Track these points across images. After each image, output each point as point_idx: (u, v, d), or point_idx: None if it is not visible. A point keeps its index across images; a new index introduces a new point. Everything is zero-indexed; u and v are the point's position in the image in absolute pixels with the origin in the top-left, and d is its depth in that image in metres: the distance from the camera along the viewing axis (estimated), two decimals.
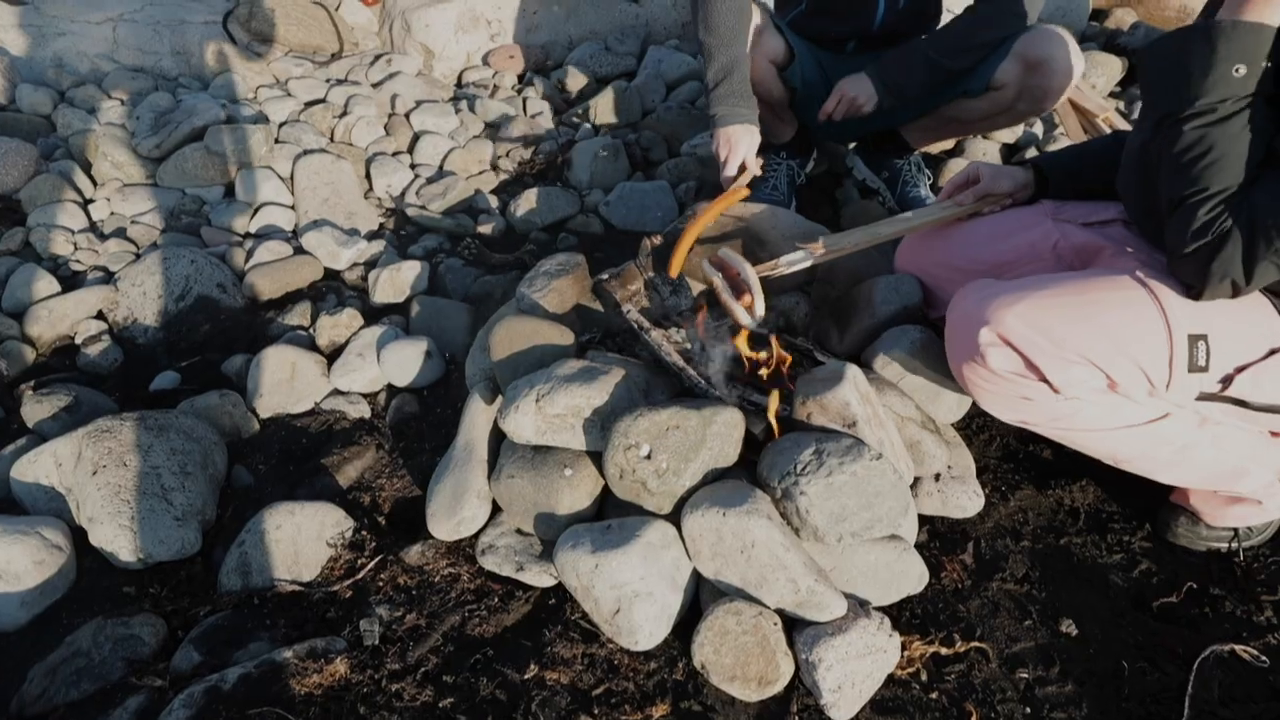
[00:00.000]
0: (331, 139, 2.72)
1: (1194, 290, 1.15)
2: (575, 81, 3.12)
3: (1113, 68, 3.17)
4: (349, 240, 2.26)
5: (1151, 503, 1.50)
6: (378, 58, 3.17)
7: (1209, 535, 1.42)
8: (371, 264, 2.26)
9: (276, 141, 2.58)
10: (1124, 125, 2.76)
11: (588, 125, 2.85)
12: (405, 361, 1.84)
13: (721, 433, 1.31)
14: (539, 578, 1.36)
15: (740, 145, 1.86)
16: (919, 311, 1.62)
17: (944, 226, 1.60)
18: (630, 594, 1.22)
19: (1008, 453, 1.67)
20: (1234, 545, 1.41)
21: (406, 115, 2.81)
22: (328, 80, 3.02)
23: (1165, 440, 1.25)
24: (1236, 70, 1.06)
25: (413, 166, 2.63)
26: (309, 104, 2.86)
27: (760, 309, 1.44)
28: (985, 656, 1.28)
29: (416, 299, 2.04)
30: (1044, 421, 1.28)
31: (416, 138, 2.73)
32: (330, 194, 2.41)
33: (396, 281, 2.10)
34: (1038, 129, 2.85)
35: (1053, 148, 2.76)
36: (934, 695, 1.23)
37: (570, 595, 1.33)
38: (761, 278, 1.47)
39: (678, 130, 2.82)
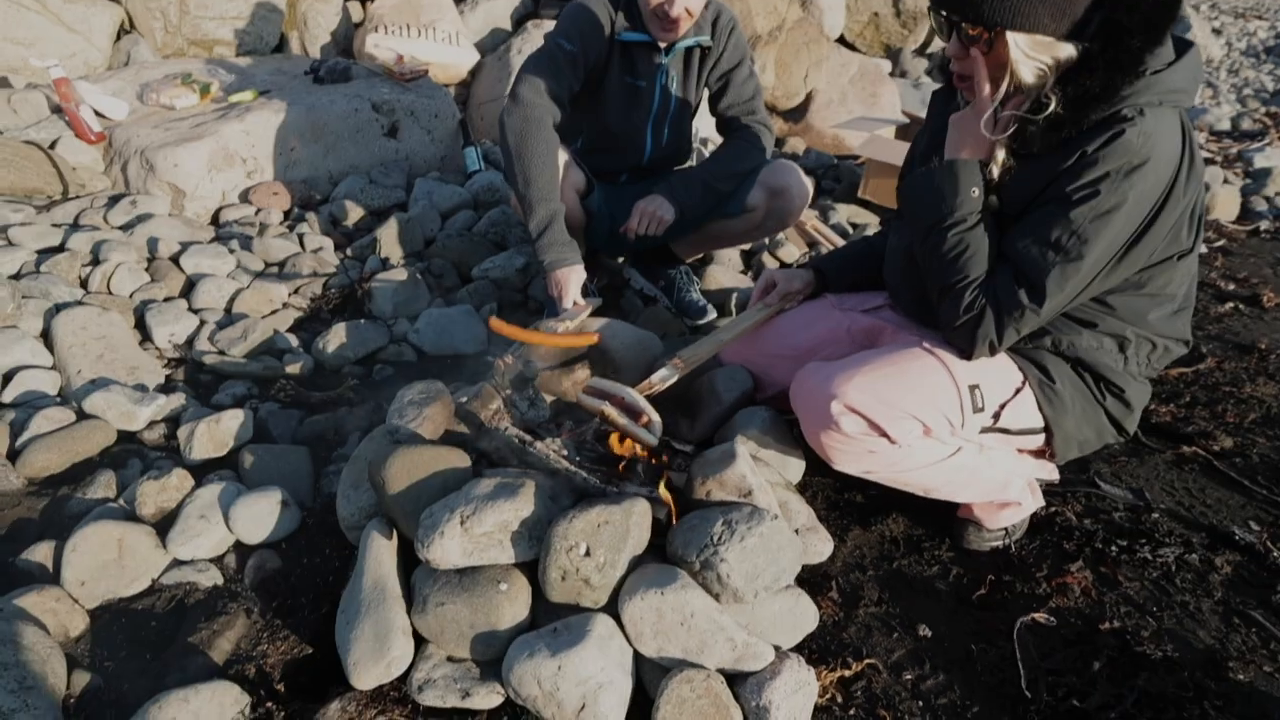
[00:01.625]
0: (85, 288, 2.45)
1: (965, 354, 1.56)
2: (350, 215, 3.14)
3: None
4: (145, 398, 2.05)
5: (943, 521, 1.90)
6: (115, 199, 2.91)
7: (989, 537, 1.84)
8: (173, 420, 2.07)
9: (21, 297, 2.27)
10: (828, 231, 3.46)
11: (375, 257, 2.88)
12: (259, 516, 1.72)
13: (640, 521, 1.45)
14: (487, 699, 1.37)
15: (571, 285, 2.11)
16: (753, 396, 1.92)
17: (763, 328, 1.94)
18: (595, 686, 1.29)
19: (831, 504, 2.00)
20: (1007, 541, 1.84)
21: (173, 259, 2.62)
22: (58, 225, 2.72)
23: (961, 468, 1.64)
24: (974, 191, 1.50)
25: (195, 311, 2.46)
26: (42, 252, 2.55)
27: (658, 424, 1.62)
28: (877, 670, 1.53)
29: (247, 449, 1.92)
30: (882, 468, 1.61)
31: (191, 282, 2.55)
32: (104, 349, 2.17)
33: (216, 434, 1.96)
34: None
35: (780, 251, 3.35)
36: (852, 712, 1.45)
37: (521, 709, 1.36)
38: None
39: (465, 256, 2.96)
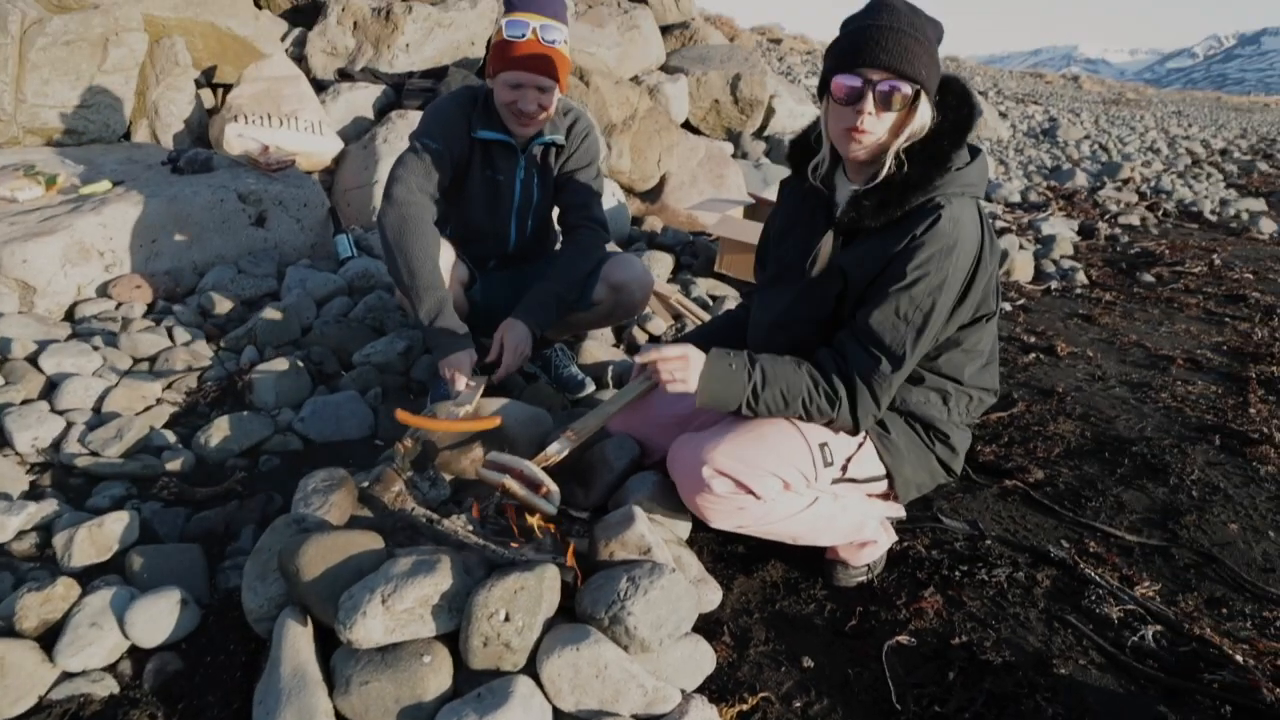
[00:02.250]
0: None
1: (854, 431, 1.80)
2: (219, 306, 3.09)
3: (666, 262, 4.24)
4: (11, 506, 1.96)
5: (814, 564, 2.12)
6: None
7: (854, 574, 2.07)
8: (44, 528, 1.98)
9: None
10: (690, 304, 3.74)
11: (251, 348, 2.86)
12: (157, 618, 1.69)
13: (551, 585, 1.57)
14: None
15: (463, 368, 2.23)
16: (640, 462, 2.09)
17: (645, 400, 2.12)
18: None
19: (716, 556, 2.18)
20: (870, 576, 2.09)
21: (30, 359, 2.51)
22: None
23: (820, 516, 1.87)
24: (731, 367, 1.72)
25: (60, 413, 2.36)
26: None
27: (556, 493, 1.75)
28: (770, 702, 1.70)
29: (134, 551, 1.87)
30: (752, 522, 1.81)
31: (53, 383, 2.45)
32: None
33: (99, 538, 1.90)
34: None
35: (648, 325, 3.59)
36: None
37: None
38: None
39: (344, 343, 2.99)
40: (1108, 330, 4.21)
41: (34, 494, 2.12)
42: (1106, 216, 7.16)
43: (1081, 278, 5.09)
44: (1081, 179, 9.19)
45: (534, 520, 1.81)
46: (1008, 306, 4.51)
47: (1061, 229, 6.24)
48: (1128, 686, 1.80)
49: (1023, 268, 5.09)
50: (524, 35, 2.33)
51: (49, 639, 1.65)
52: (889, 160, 1.68)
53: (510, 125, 2.51)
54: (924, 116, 1.67)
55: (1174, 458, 2.78)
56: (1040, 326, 4.21)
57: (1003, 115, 15.90)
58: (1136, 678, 1.82)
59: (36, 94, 3.86)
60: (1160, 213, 7.56)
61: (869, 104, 1.63)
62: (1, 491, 2.05)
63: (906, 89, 1.62)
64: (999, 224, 6.35)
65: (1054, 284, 4.98)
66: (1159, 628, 1.97)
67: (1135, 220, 7.04)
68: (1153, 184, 9.19)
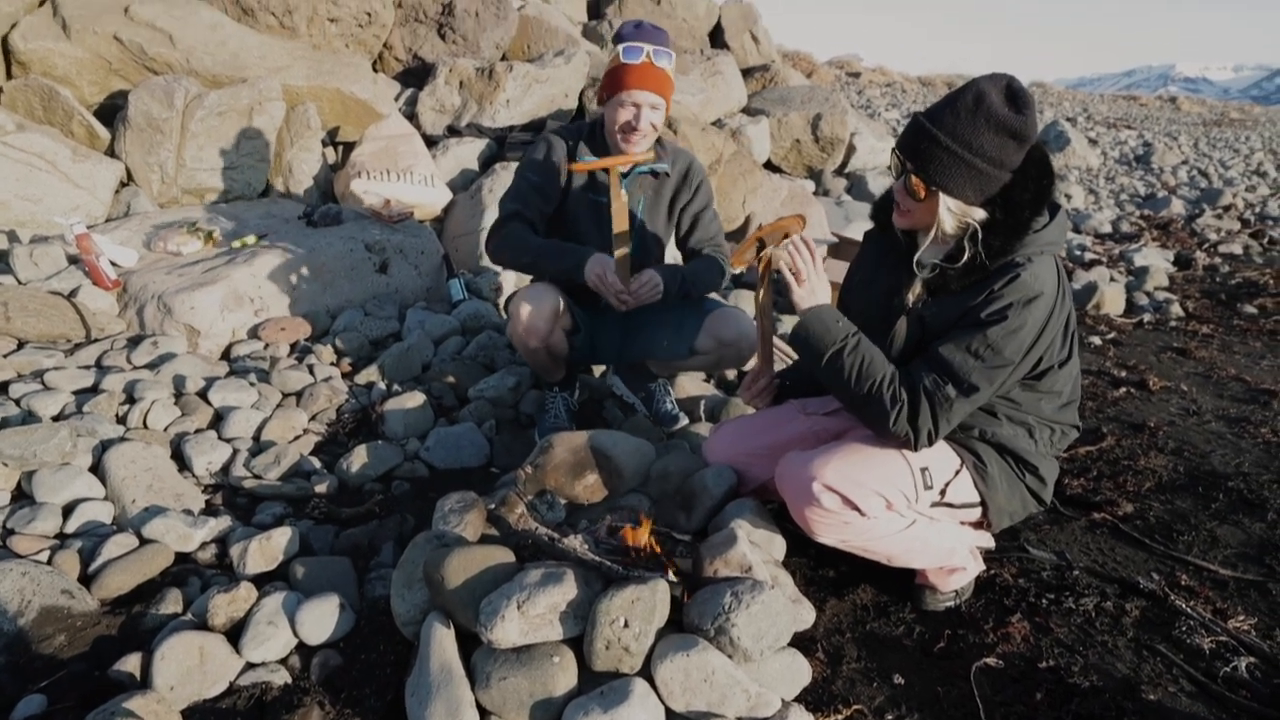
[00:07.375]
0: (124, 425, 2.68)
1: (910, 445, 1.94)
2: (350, 345, 3.45)
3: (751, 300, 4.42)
4: (197, 521, 2.28)
5: (902, 588, 2.24)
6: (135, 340, 3.17)
7: (942, 598, 2.19)
8: (220, 540, 2.30)
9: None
10: (778, 340, 3.90)
11: (379, 384, 3.18)
12: (322, 619, 1.96)
13: (663, 598, 1.76)
14: None
15: (607, 266, 2.64)
16: (737, 490, 2.27)
17: (741, 432, 2.30)
18: None
19: (809, 579, 2.33)
20: (958, 601, 2.19)
21: (200, 394, 2.88)
22: (85, 367, 2.96)
23: (917, 538, 2.00)
24: (838, 321, 1.91)
25: (227, 441, 2.71)
26: (78, 393, 2.78)
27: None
28: (864, 714, 1.84)
29: (297, 561, 2.16)
30: (854, 537, 1.95)
31: (220, 415, 2.81)
32: (153, 480, 2.41)
33: (267, 550, 2.19)
34: None
35: None
36: None
37: None
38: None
39: (461, 379, 3.29)
40: (1204, 364, 4.15)
41: (210, 511, 2.45)
42: (1205, 245, 6.96)
43: (1177, 310, 5.00)
44: (1178, 207, 8.93)
45: (640, 538, 2.01)
46: (1096, 340, 4.49)
47: (1155, 259, 6.12)
48: (1218, 715, 1.85)
49: (1113, 300, 5.04)
50: (640, 59, 2.66)
51: (233, 634, 1.94)
52: (967, 247, 1.83)
53: (619, 145, 2.79)
54: (947, 221, 1.82)
55: (1273, 493, 2.77)
56: (1131, 360, 4.19)
57: (1092, 142, 15.50)
58: (1228, 706, 1.87)
59: (194, 159, 4.37)
60: (1265, 240, 7.28)
61: (899, 186, 1.89)
62: (185, 509, 2.38)
63: (922, 190, 1.81)
64: (1088, 255, 6.28)
65: (1146, 316, 4.91)
66: (1253, 659, 2.00)
67: (1237, 249, 6.82)
68: (1258, 210, 8.85)
